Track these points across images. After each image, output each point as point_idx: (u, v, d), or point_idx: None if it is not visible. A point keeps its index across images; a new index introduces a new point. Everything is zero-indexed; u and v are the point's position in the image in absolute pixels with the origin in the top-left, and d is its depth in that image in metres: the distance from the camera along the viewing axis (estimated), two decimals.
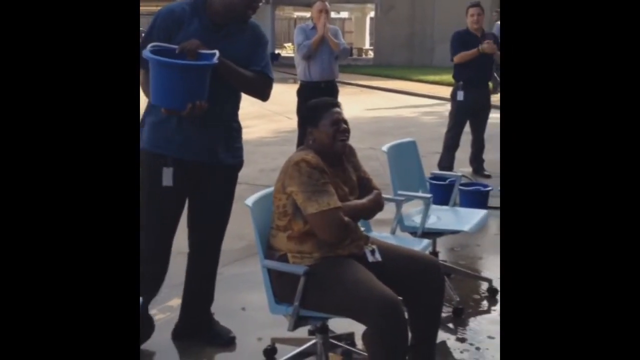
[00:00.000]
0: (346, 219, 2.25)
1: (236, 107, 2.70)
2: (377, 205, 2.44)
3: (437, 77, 15.60)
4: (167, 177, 2.53)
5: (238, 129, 2.72)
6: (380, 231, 3.15)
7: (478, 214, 3.50)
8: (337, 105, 2.42)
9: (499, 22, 6.72)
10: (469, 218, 3.40)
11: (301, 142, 5.96)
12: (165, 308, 3.12)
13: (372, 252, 2.39)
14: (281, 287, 2.30)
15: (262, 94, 2.64)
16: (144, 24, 2.63)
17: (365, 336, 2.16)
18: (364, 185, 2.48)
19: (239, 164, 2.75)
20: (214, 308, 2.88)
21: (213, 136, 2.59)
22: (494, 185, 5.07)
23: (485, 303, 3.39)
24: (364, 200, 2.40)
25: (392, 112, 11.28)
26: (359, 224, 2.51)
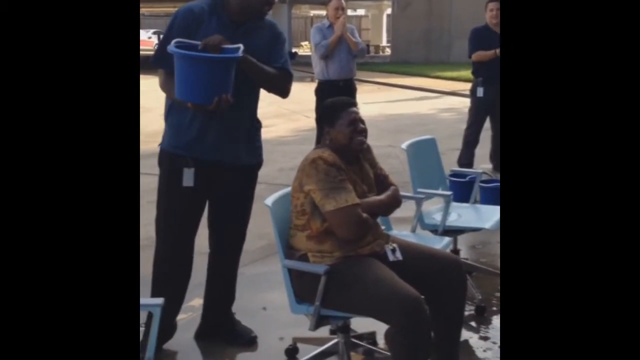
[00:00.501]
0: (364, 215, 2.24)
1: (256, 106, 2.70)
2: (395, 200, 2.43)
3: (454, 74, 15.51)
4: (188, 177, 2.53)
5: (258, 128, 2.73)
6: (401, 229, 3.13)
7: (499, 211, 3.46)
8: (354, 104, 2.42)
9: None
10: (490, 215, 3.37)
11: (319, 140, 6.00)
12: (187, 308, 3.12)
13: (393, 250, 2.38)
14: (302, 287, 2.30)
15: (283, 89, 2.64)
16: (161, 25, 2.63)
17: (387, 335, 2.15)
18: (381, 181, 2.47)
19: (258, 164, 2.75)
20: (235, 308, 2.89)
21: (233, 136, 2.59)
22: None
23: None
24: (381, 197, 2.39)
25: (410, 109, 11.23)
26: (380, 221, 2.50)
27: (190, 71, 2.29)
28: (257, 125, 2.72)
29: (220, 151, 2.57)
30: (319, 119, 2.43)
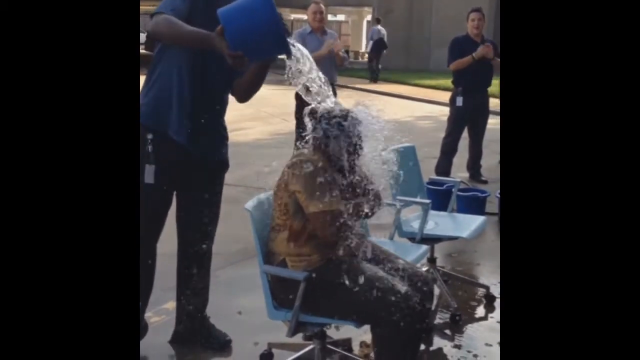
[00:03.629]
0: (346, 218, 2.24)
1: (226, 108, 2.68)
2: (377, 199, 2.42)
3: (433, 82, 15.62)
4: (149, 174, 2.49)
5: (225, 134, 2.71)
6: (379, 236, 3.13)
7: (476, 220, 3.49)
8: (355, 116, 2.38)
9: None
10: (467, 224, 3.39)
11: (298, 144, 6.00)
12: (161, 311, 3.09)
13: (365, 249, 2.38)
14: (281, 292, 2.28)
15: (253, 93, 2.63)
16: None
17: (378, 336, 2.17)
18: (366, 185, 2.46)
19: (225, 162, 2.72)
20: (210, 312, 2.86)
21: (204, 128, 2.55)
22: (491, 191, 5.07)
23: (482, 310, 3.38)
24: (363, 200, 2.38)
25: (389, 116, 11.25)
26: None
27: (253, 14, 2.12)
28: (225, 131, 2.70)
29: (188, 137, 2.51)
30: (314, 125, 2.37)
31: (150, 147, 2.48)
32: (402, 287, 2.18)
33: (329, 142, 2.28)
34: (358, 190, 2.38)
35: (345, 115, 2.29)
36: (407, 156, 3.51)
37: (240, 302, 3.26)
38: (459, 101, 5.83)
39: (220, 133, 2.68)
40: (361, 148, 2.34)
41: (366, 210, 2.31)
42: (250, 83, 2.55)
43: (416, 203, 3.21)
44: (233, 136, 2.72)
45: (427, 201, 3.13)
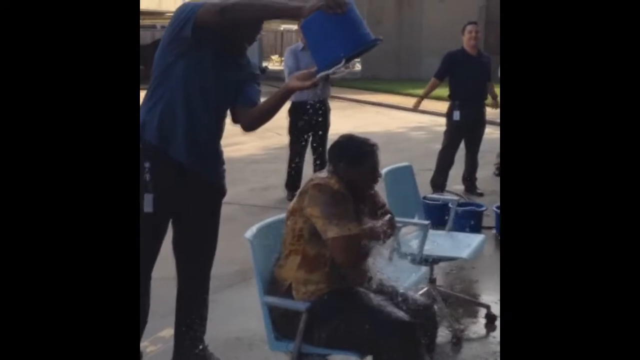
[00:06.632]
0: (364, 243, 2.21)
1: (223, 132, 2.66)
2: (392, 229, 2.40)
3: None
4: (148, 202, 2.46)
5: (221, 155, 2.69)
6: (378, 258, 3.09)
7: (475, 239, 3.46)
8: (377, 148, 2.36)
9: None
10: (466, 243, 3.37)
11: (293, 160, 5.98)
12: (157, 339, 3.04)
13: (370, 279, 2.36)
14: (283, 322, 2.25)
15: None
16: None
17: None
18: (380, 210, 2.44)
19: (222, 188, 2.69)
20: (208, 337, 2.81)
21: (204, 149, 2.55)
22: (487, 204, 5.06)
23: (483, 329, 3.35)
24: (378, 225, 2.35)
25: (381, 126, 11.27)
26: None
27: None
28: (222, 155, 2.68)
29: (189, 157, 2.49)
30: (335, 152, 2.33)
31: (148, 176, 2.44)
32: (405, 317, 2.15)
33: (349, 171, 2.26)
34: (374, 215, 2.37)
35: None
36: (404, 176, 3.49)
37: (239, 327, 3.21)
38: (456, 115, 5.81)
39: (218, 156, 2.65)
40: (380, 175, 2.33)
41: (381, 235, 2.29)
42: (266, 112, 2.53)
43: (415, 224, 3.18)
44: (226, 152, 2.68)
45: (426, 222, 3.10)
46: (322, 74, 2.19)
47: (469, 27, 5.81)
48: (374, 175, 2.31)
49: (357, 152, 2.29)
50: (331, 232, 2.14)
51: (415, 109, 6.09)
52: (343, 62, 2.12)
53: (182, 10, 2.38)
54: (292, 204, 2.29)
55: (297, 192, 2.31)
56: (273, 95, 2.49)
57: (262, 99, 2.60)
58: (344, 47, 2.13)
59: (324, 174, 2.30)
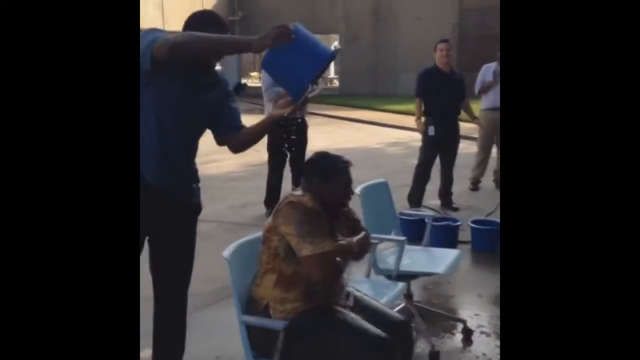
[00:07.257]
0: (339, 260, 2.24)
1: (196, 153, 2.69)
2: (367, 245, 2.44)
3: (402, 107, 15.78)
4: None
5: (197, 175, 2.71)
6: (355, 274, 3.12)
7: (451, 254, 3.50)
8: (350, 164, 2.40)
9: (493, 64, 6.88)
10: (442, 259, 3.40)
11: (272, 176, 6.00)
12: None
13: (348, 295, 2.39)
14: (261, 340, 2.26)
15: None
16: None
17: None
18: (353, 226, 2.47)
19: (198, 206, 2.70)
20: (186, 358, 2.80)
21: (179, 169, 2.57)
22: (462, 219, 5.12)
23: (460, 344, 3.38)
24: (353, 241, 2.37)
25: (359, 142, 11.35)
26: None
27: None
28: (196, 173, 2.69)
29: (160, 178, 2.50)
30: (308, 168, 2.37)
31: None
32: (382, 334, 2.17)
33: (322, 187, 2.29)
34: (348, 232, 2.39)
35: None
36: (380, 192, 3.53)
37: (218, 346, 3.20)
38: (431, 130, 5.91)
39: (193, 176, 2.67)
40: (352, 192, 2.36)
41: (355, 251, 2.32)
42: (253, 137, 2.61)
43: (391, 240, 3.21)
44: (204, 169, 2.69)
45: (402, 238, 3.14)
46: (298, 102, 2.34)
47: (440, 45, 5.92)
48: (346, 191, 2.35)
49: (330, 169, 2.33)
50: (305, 250, 2.16)
51: (420, 131, 6.13)
52: (310, 86, 2.21)
53: (142, 40, 2.40)
54: (267, 222, 2.31)
55: (273, 210, 2.34)
56: (258, 124, 2.59)
57: (243, 117, 2.65)
58: (305, 73, 2.23)
59: (299, 191, 2.33)
